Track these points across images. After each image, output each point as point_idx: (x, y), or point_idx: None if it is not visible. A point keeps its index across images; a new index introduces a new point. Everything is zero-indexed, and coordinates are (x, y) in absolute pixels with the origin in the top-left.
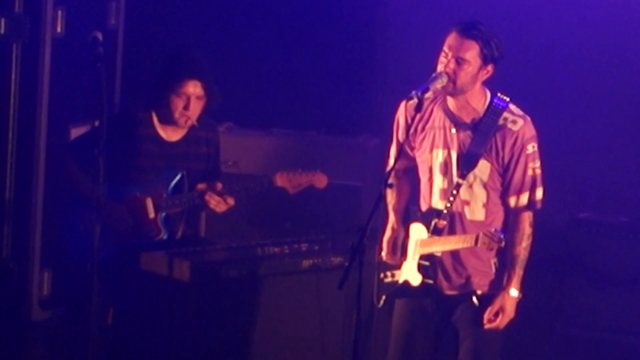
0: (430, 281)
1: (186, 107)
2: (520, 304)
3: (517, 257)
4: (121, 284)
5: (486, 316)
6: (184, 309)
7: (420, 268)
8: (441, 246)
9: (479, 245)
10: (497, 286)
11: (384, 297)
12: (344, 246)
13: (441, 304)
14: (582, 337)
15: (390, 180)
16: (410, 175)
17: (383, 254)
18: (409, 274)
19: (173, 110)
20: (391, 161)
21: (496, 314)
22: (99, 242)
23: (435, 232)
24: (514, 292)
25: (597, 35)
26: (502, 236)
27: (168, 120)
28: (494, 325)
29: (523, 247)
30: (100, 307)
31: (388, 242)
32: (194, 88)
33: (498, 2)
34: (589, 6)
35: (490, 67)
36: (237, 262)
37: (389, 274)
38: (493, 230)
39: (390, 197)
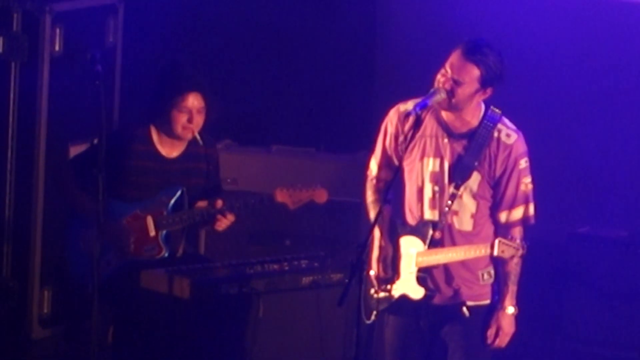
0: (431, 293)
1: (190, 121)
2: (519, 317)
3: (510, 274)
4: (121, 302)
5: (488, 338)
6: (184, 327)
7: (419, 280)
8: (445, 257)
9: (496, 253)
10: (486, 297)
11: (374, 312)
12: (344, 263)
13: (431, 316)
14: (582, 351)
15: (388, 197)
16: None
17: (372, 272)
18: (408, 288)
19: (175, 125)
20: (373, 171)
21: (496, 334)
22: (99, 260)
23: (433, 244)
24: (509, 309)
25: (596, 50)
26: (520, 243)
27: (169, 134)
28: (496, 345)
29: (515, 262)
30: (101, 325)
31: (378, 261)
32: (194, 101)
33: (493, 21)
34: (587, 22)
35: (489, 90)
36: (237, 279)
37: (380, 290)
38: (509, 237)
39: (373, 213)
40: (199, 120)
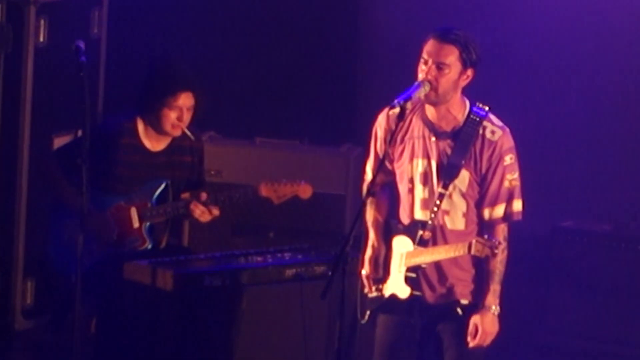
0: (418, 293)
1: (179, 119)
2: (503, 312)
3: (492, 272)
4: (104, 293)
5: (469, 337)
6: (166, 319)
7: (408, 280)
8: (430, 257)
9: (472, 252)
10: (480, 294)
11: (368, 312)
12: (328, 255)
13: (425, 314)
14: (565, 345)
15: (373, 190)
16: (387, 190)
17: (364, 271)
18: (396, 287)
19: (165, 122)
20: (368, 175)
21: (476, 333)
22: (82, 251)
23: (421, 243)
24: (490, 308)
25: (579, 43)
26: (495, 241)
27: (157, 130)
28: (475, 343)
29: (498, 260)
30: (83, 316)
31: (370, 261)
32: (186, 100)
33: (478, 11)
34: (572, 12)
35: (470, 72)
36: (220, 272)
37: (373, 288)
38: (485, 236)
39: (369, 213)
40: (188, 118)
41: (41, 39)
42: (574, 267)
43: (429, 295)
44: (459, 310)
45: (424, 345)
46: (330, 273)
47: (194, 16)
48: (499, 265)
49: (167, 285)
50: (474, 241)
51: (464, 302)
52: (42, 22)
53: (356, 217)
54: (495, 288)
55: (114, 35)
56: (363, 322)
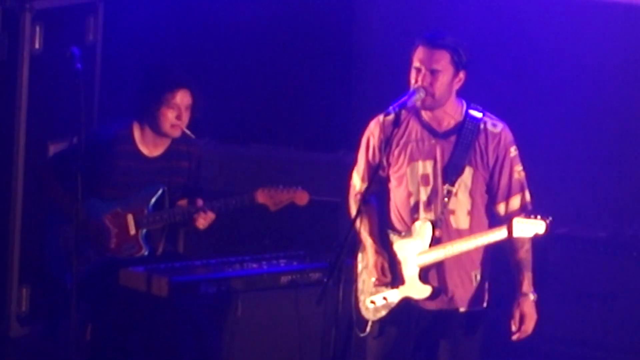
0: (437, 291)
1: (179, 117)
2: (502, 318)
3: (522, 262)
4: (100, 300)
5: (513, 328)
6: (162, 325)
7: (423, 278)
8: (452, 250)
9: (515, 234)
10: (479, 302)
11: (369, 322)
12: (323, 262)
13: (421, 322)
14: (561, 352)
15: (367, 197)
16: (376, 199)
17: (373, 279)
18: (412, 290)
19: (164, 122)
20: (357, 185)
21: (521, 322)
22: (78, 258)
23: (435, 243)
24: (529, 295)
25: (573, 48)
26: (543, 216)
27: (157, 132)
28: (523, 333)
29: (525, 250)
30: (79, 323)
31: (376, 267)
32: (183, 97)
33: (471, 16)
34: (564, 17)
35: (462, 74)
36: (216, 278)
37: (378, 299)
38: (523, 214)
39: (364, 222)
40: (186, 118)
41: (37, 46)
42: (569, 274)
43: (427, 302)
44: (457, 318)
45: (419, 348)
46: (325, 280)
47: (189, 23)
48: (525, 254)
49: (162, 292)
50: (514, 221)
51: (462, 309)
52: (37, 28)
53: (352, 224)
54: (528, 275)
55: (109, 42)
56: (364, 335)
